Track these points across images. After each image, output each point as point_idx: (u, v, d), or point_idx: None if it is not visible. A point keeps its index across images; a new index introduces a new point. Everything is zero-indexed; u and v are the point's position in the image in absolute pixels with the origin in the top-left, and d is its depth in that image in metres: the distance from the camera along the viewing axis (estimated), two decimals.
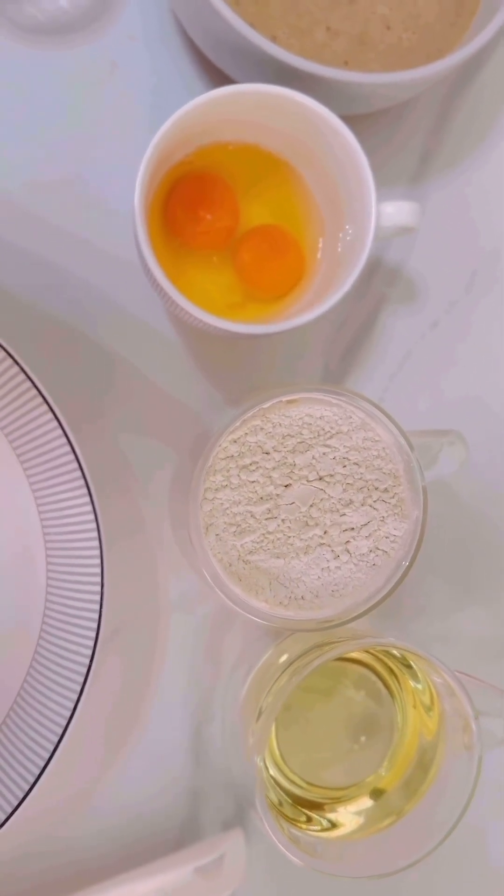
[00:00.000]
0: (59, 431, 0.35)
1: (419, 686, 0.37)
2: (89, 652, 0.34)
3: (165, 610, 0.41)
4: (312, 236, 0.40)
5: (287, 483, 0.33)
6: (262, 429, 0.33)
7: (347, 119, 0.40)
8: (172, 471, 0.41)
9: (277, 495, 0.33)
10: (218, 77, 0.41)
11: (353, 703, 0.38)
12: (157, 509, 0.41)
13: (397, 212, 0.36)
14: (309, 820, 0.37)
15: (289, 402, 0.33)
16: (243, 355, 0.43)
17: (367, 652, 0.37)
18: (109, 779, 0.41)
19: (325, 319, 0.38)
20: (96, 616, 0.35)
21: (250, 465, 0.33)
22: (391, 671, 0.37)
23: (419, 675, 0.37)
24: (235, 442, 0.33)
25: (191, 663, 0.41)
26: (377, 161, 0.43)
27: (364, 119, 0.42)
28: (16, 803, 0.34)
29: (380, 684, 0.38)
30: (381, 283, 0.44)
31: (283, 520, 0.33)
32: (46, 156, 0.41)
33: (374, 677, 0.38)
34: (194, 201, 0.38)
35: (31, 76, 0.40)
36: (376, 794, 0.37)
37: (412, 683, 0.37)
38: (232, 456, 0.33)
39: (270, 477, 0.33)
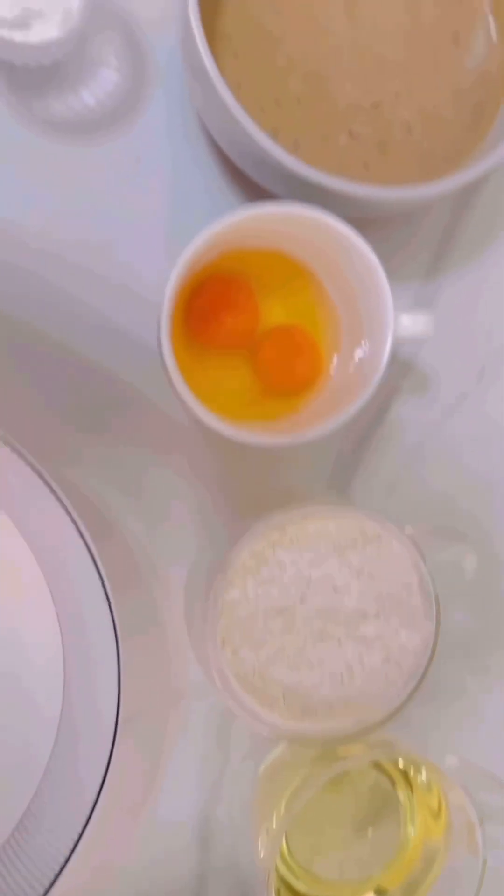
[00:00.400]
0: (76, 533, 0.35)
1: (427, 787, 0.38)
2: (106, 758, 0.34)
3: (177, 697, 0.42)
4: (330, 339, 0.40)
5: (303, 596, 0.34)
6: (279, 543, 0.33)
7: (364, 221, 0.41)
8: (188, 566, 0.41)
9: (293, 608, 0.34)
10: (237, 175, 0.42)
11: (361, 798, 0.39)
12: (172, 603, 0.41)
13: (413, 324, 0.37)
14: None
15: (305, 516, 0.34)
16: (256, 451, 0.43)
17: None
18: (117, 862, 0.42)
19: None
20: (114, 715, 0.35)
21: (267, 578, 0.33)
22: (402, 772, 0.38)
23: (428, 780, 0.37)
24: (253, 555, 0.33)
25: (201, 751, 0.42)
26: (393, 256, 0.44)
27: (382, 218, 0.43)
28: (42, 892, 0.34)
29: (388, 783, 0.39)
30: (394, 375, 0.45)
31: (298, 632, 0.34)
32: (71, 247, 0.41)
33: (383, 777, 0.38)
34: (217, 305, 0.39)
35: (58, 171, 0.41)
36: (380, 892, 0.38)
37: (421, 785, 0.38)
38: (249, 569, 0.33)
39: (286, 590, 0.34)
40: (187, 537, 0.42)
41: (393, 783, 0.39)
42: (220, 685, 0.33)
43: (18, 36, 0.38)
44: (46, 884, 0.33)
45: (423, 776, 0.37)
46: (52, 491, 0.36)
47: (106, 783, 0.36)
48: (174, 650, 0.42)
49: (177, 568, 0.41)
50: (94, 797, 0.34)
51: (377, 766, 0.39)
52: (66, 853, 0.33)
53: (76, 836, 0.33)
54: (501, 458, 0.46)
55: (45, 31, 0.38)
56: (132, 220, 0.42)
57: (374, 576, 0.34)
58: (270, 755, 0.39)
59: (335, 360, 0.40)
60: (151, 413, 0.42)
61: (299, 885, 0.38)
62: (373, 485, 0.44)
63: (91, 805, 0.33)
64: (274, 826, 0.34)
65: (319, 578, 0.34)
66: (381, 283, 0.36)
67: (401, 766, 0.38)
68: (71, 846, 0.33)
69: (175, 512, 0.42)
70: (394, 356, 0.44)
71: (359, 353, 0.38)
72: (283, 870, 0.38)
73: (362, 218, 0.41)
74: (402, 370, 0.45)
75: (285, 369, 0.40)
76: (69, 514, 0.36)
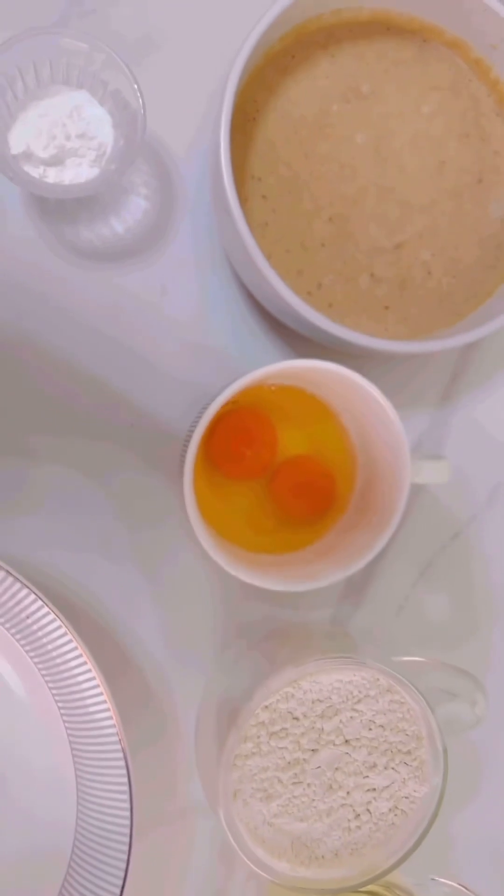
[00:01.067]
0: (88, 667, 0.36)
1: None
2: (121, 875, 0.35)
3: (182, 815, 0.43)
4: (346, 471, 0.41)
5: (314, 748, 0.34)
6: (293, 696, 0.34)
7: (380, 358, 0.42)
8: (200, 684, 0.42)
9: (304, 760, 0.34)
10: (260, 310, 0.43)
11: None
12: (179, 722, 0.42)
13: (430, 469, 0.38)
14: None
15: (318, 670, 0.34)
16: None
17: None
18: None
19: None
20: (127, 837, 0.36)
21: (280, 731, 0.34)
22: None
23: None
24: (267, 709, 0.34)
25: (205, 869, 0.43)
26: (408, 382, 0.45)
27: None
28: None
29: None
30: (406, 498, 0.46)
31: (308, 784, 0.34)
32: (96, 374, 0.42)
33: None
34: (236, 439, 0.40)
35: (85, 298, 0.42)
36: None
37: None
38: (263, 723, 0.34)
39: (299, 742, 0.34)
40: (197, 656, 0.43)
41: None
42: (229, 833, 0.33)
43: (52, 175, 0.39)
44: None
45: None
46: (57, 617, 0.37)
47: None
48: (181, 766, 0.43)
49: (187, 698, 0.42)
50: None
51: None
52: None
53: None
54: None
55: (79, 170, 0.39)
56: (155, 346, 0.42)
57: (385, 727, 0.35)
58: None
59: (351, 493, 0.41)
60: (166, 538, 0.43)
61: None
62: (382, 605, 0.45)
63: None
64: None
65: (331, 730, 0.35)
66: (398, 435, 0.36)
67: None
68: None
69: (187, 629, 0.42)
70: None
71: (374, 492, 0.39)
72: None
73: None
74: (414, 491, 0.45)
75: (301, 499, 0.41)
76: (75, 640, 0.36)
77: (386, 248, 0.41)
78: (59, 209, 0.41)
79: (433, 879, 0.40)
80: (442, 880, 0.40)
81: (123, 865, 0.37)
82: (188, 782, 0.43)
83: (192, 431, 0.37)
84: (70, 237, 0.41)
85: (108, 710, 0.37)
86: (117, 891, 0.37)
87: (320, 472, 0.41)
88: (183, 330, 0.42)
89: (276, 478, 0.41)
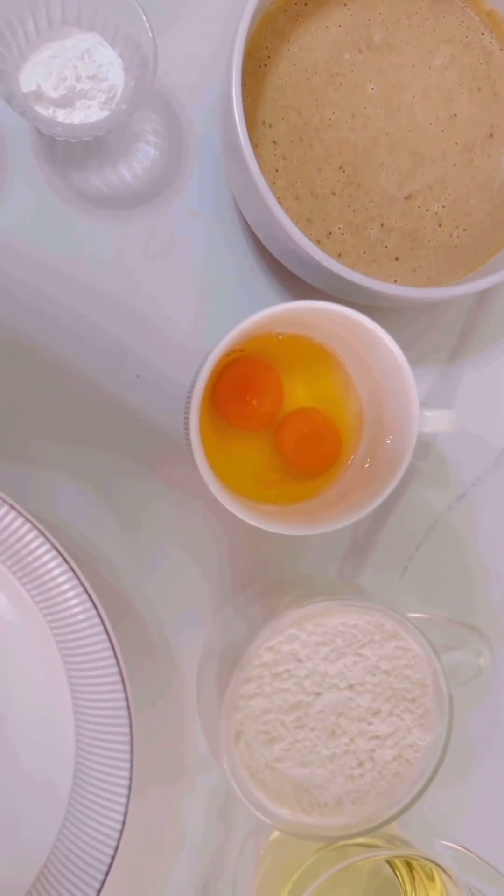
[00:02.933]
0: (93, 612, 0.36)
1: (429, 875, 0.38)
2: (119, 827, 0.35)
3: (183, 770, 0.42)
4: (352, 424, 0.41)
5: (318, 691, 0.34)
6: (297, 637, 0.34)
7: (392, 309, 0.41)
8: (202, 639, 0.41)
9: (308, 703, 0.34)
10: (270, 259, 0.42)
11: (365, 887, 0.39)
12: (181, 678, 0.42)
13: (437, 420, 0.37)
14: None
15: (324, 612, 0.34)
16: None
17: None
18: None
19: None
20: (126, 789, 0.35)
21: (283, 672, 0.34)
22: (408, 865, 0.38)
23: (434, 878, 0.37)
24: (271, 649, 0.34)
25: (204, 825, 0.42)
26: (417, 341, 0.45)
27: (407, 307, 0.43)
28: None
29: (390, 869, 0.39)
30: (412, 455, 0.45)
31: (311, 728, 0.34)
32: (102, 323, 0.42)
33: (388, 867, 0.39)
34: (241, 387, 0.39)
35: (92, 246, 0.41)
36: None
37: (426, 881, 0.38)
38: (266, 663, 0.33)
39: (302, 685, 0.34)
40: (200, 611, 0.42)
41: (394, 869, 0.39)
42: (231, 777, 0.33)
43: (62, 115, 0.38)
44: None
45: (429, 874, 0.37)
46: (71, 568, 0.36)
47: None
48: (182, 723, 0.42)
49: (188, 644, 0.41)
50: (104, 871, 0.34)
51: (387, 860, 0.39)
52: None
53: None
54: None
55: (89, 112, 0.39)
56: (163, 296, 0.42)
57: (390, 673, 0.35)
58: (274, 833, 0.39)
59: (357, 446, 0.40)
60: (170, 490, 0.42)
61: None
62: (386, 565, 0.45)
63: (101, 879, 0.34)
64: None
65: (335, 674, 0.34)
66: (407, 381, 0.36)
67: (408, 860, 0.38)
68: None
69: (189, 586, 0.42)
70: None
71: (381, 445, 0.38)
72: None
73: (389, 307, 0.42)
74: (420, 452, 0.45)
75: (306, 452, 0.41)
76: (86, 590, 0.36)
77: (396, 199, 0.41)
78: (67, 154, 0.41)
79: (437, 840, 0.40)
80: (446, 843, 0.40)
81: (121, 818, 0.36)
82: (188, 741, 0.42)
83: (197, 376, 0.36)
84: (78, 183, 0.41)
85: (112, 657, 0.36)
86: (113, 845, 0.36)
87: (326, 423, 0.41)
88: (191, 280, 0.42)
89: (282, 429, 0.40)
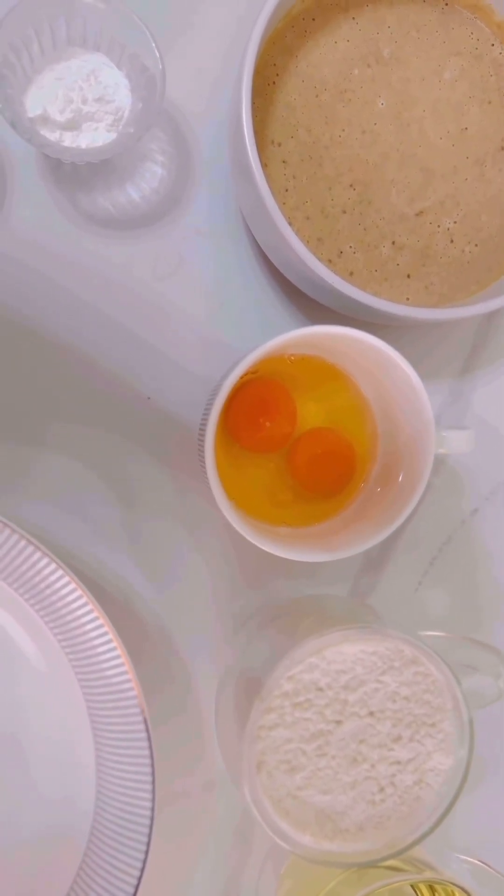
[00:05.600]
0: (109, 637, 0.36)
1: None
2: (144, 849, 0.35)
3: (200, 790, 0.42)
4: (367, 443, 0.40)
5: (339, 719, 0.34)
6: (317, 666, 0.34)
7: (404, 327, 0.41)
8: (219, 660, 0.41)
9: (329, 732, 0.34)
10: (280, 278, 0.42)
11: None
12: (198, 700, 0.42)
13: (454, 439, 0.37)
14: None
15: (343, 640, 0.34)
16: None
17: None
18: None
19: None
20: (149, 808, 0.35)
21: (304, 702, 0.34)
22: (430, 887, 0.38)
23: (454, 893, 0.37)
24: (291, 679, 0.33)
25: (223, 845, 0.42)
26: (430, 353, 0.44)
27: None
28: None
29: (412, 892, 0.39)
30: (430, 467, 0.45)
31: (332, 756, 0.34)
32: (109, 344, 0.41)
33: (410, 889, 0.39)
34: (255, 410, 0.39)
35: (100, 267, 0.41)
36: None
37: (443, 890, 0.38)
38: (287, 693, 0.33)
39: (323, 714, 0.34)
40: (213, 632, 0.42)
41: (416, 890, 0.39)
42: (253, 807, 0.33)
43: (69, 138, 0.38)
44: None
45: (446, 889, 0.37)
46: (78, 586, 0.36)
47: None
48: (199, 744, 0.42)
49: (206, 669, 0.41)
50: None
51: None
52: None
53: None
54: None
55: (96, 134, 0.38)
56: (171, 320, 0.42)
57: (410, 699, 0.34)
58: (293, 854, 0.40)
59: (372, 467, 0.40)
60: (185, 510, 0.42)
61: None
62: (400, 581, 0.45)
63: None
64: None
65: (355, 702, 0.34)
66: (423, 403, 0.36)
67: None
68: None
69: (202, 605, 0.42)
70: None
71: (397, 466, 0.38)
72: None
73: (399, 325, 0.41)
74: (434, 468, 0.45)
75: (319, 472, 0.40)
76: (96, 612, 0.36)
77: (408, 216, 0.40)
78: (74, 176, 0.41)
79: (454, 855, 0.40)
80: (463, 857, 0.40)
81: (145, 840, 0.36)
82: (203, 760, 0.42)
83: (211, 401, 0.36)
84: (85, 205, 0.41)
85: (129, 680, 0.36)
86: (139, 866, 0.36)
87: (340, 444, 0.40)
88: (200, 300, 0.41)
89: (296, 450, 0.40)
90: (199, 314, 0.41)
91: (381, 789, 0.34)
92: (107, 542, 0.41)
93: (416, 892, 0.39)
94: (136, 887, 0.35)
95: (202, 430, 0.37)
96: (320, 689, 0.34)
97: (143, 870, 0.35)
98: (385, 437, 0.40)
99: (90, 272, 0.41)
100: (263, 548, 0.36)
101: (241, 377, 0.39)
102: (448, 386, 0.45)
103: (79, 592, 0.36)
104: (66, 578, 0.36)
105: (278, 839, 0.33)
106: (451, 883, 0.35)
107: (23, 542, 0.36)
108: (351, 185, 0.39)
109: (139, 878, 0.35)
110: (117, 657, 0.36)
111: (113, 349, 0.41)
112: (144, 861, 0.36)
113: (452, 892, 0.37)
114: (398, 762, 0.34)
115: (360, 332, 0.35)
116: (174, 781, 0.42)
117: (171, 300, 0.41)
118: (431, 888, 0.39)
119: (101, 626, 0.36)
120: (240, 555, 0.42)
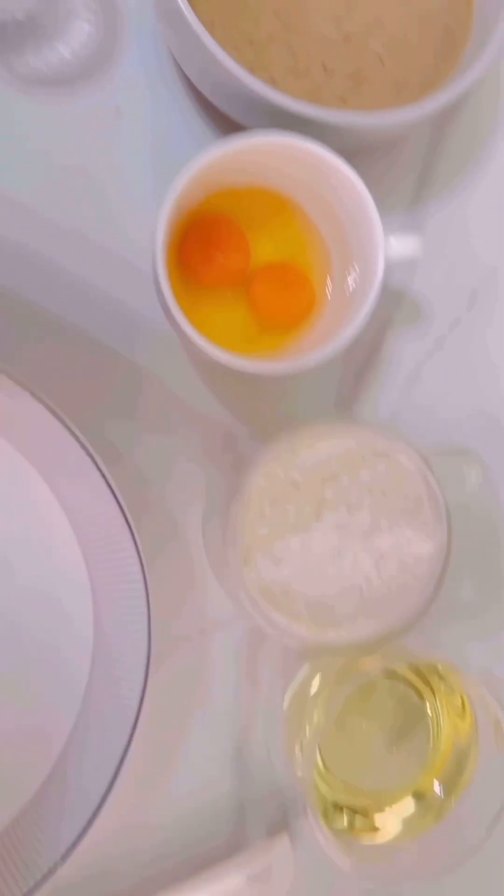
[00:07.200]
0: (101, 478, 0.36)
1: (449, 689, 0.39)
2: (141, 682, 0.36)
3: (203, 630, 0.43)
4: (321, 270, 0.41)
5: (318, 514, 0.35)
6: (291, 463, 0.35)
7: (346, 152, 0.42)
8: (202, 498, 0.42)
9: (310, 526, 0.35)
10: (218, 116, 0.42)
11: (388, 711, 0.40)
12: (189, 535, 0.42)
13: (402, 245, 0.38)
14: (352, 826, 0.39)
15: (315, 437, 0.35)
16: (261, 383, 0.44)
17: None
18: (157, 795, 0.43)
19: None
20: (146, 647, 0.36)
21: (282, 498, 0.35)
22: (423, 678, 0.39)
23: (449, 681, 0.39)
24: (267, 477, 0.34)
25: (231, 680, 0.43)
26: (376, 187, 0.45)
27: (363, 149, 0.43)
28: (83, 826, 0.35)
29: (412, 692, 0.40)
30: (386, 306, 0.46)
31: (316, 550, 0.35)
32: (55, 202, 0.42)
33: (407, 689, 0.40)
34: (207, 244, 0.40)
35: (37, 129, 0.41)
36: (417, 795, 0.39)
37: (443, 688, 0.39)
38: (265, 491, 0.34)
39: (302, 509, 0.35)
40: (199, 470, 0.43)
41: (417, 693, 0.40)
42: (247, 604, 0.34)
43: None
44: (95, 804, 0.34)
45: (444, 680, 0.39)
46: (73, 435, 0.37)
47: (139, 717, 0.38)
48: (196, 585, 0.43)
49: (191, 502, 0.42)
50: (133, 720, 0.35)
51: (400, 678, 0.40)
52: (109, 779, 0.35)
53: (118, 761, 0.34)
54: (494, 382, 0.47)
55: None
56: (117, 171, 0.42)
57: (386, 492, 0.36)
58: (297, 678, 0.41)
59: (328, 287, 0.41)
60: (155, 358, 0.43)
61: (339, 798, 0.39)
62: (373, 416, 0.45)
63: (131, 728, 0.35)
64: (307, 737, 0.35)
65: (333, 497, 0.35)
66: (368, 206, 0.36)
67: (423, 672, 0.39)
68: (113, 772, 0.35)
69: (185, 447, 0.43)
70: (385, 286, 0.45)
71: (351, 279, 0.39)
72: (321, 785, 0.39)
73: (343, 150, 0.42)
74: (395, 300, 0.46)
75: (279, 305, 0.41)
76: (90, 455, 0.37)
77: (335, 40, 0.41)
78: (3, 38, 0.41)
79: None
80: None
81: (143, 671, 0.37)
82: (196, 604, 0.43)
83: (155, 235, 0.37)
84: (18, 67, 0.41)
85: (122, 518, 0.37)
86: (135, 706, 0.37)
87: (295, 275, 0.41)
88: (142, 148, 0.42)
89: (253, 285, 0.41)
90: (142, 163, 0.42)
91: (368, 580, 0.36)
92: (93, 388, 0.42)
93: (417, 693, 0.40)
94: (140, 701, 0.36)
95: (155, 268, 0.37)
96: (297, 486, 0.35)
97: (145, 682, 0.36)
98: (338, 257, 0.41)
99: (29, 132, 0.41)
100: (234, 365, 0.36)
101: (186, 215, 0.40)
102: (399, 218, 0.45)
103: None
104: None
105: (274, 631, 0.34)
106: (440, 664, 0.35)
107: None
108: (275, 13, 0.40)
109: (142, 691, 0.36)
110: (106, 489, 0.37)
111: (56, 210, 0.41)
112: (146, 668, 0.36)
113: (438, 669, 0.38)
114: (380, 552, 0.35)
115: (299, 139, 0.36)
116: (170, 629, 0.43)
117: (113, 153, 0.42)
118: (428, 684, 0.40)
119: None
120: (218, 395, 0.43)
